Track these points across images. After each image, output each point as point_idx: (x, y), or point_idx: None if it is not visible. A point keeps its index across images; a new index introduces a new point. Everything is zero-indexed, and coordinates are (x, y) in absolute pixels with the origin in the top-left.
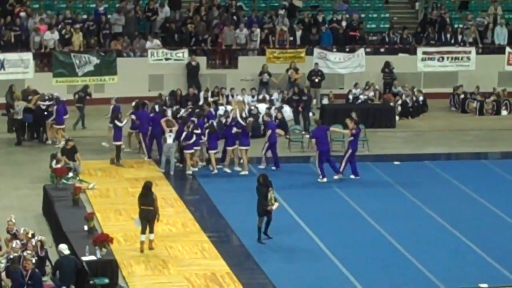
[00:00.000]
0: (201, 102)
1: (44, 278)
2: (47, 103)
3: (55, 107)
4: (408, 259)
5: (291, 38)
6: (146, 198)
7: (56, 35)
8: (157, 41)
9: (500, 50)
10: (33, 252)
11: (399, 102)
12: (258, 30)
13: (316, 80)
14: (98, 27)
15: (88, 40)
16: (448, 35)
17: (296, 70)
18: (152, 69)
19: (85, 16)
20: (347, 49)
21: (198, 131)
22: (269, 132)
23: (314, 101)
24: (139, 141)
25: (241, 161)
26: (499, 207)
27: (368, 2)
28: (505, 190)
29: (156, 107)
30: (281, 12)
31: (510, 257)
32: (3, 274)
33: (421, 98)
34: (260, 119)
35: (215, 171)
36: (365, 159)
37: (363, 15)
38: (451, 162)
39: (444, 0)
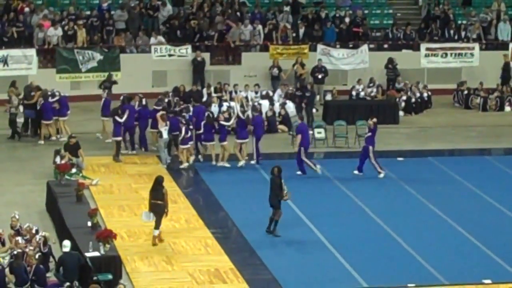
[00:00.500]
0: (204, 98)
1: (47, 274)
2: (50, 99)
3: (42, 102)
4: (411, 254)
5: (294, 34)
6: (156, 192)
7: (59, 31)
8: (160, 38)
9: (503, 46)
10: (36, 249)
11: (404, 98)
12: (260, 26)
13: (320, 76)
14: (101, 23)
15: (92, 36)
16: (452, 31)
17: (302, 65)
18: (155, 65)
19: (88, 12)
20: (351, 45)
21: (190, 126)
22: (251, 127)
23: (318, 97)
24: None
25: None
26: (502, 203)
27: None
28: (509, 186)
29: (144, 101)
30: (286, 8)
31: None
32: (7, 270)
33: (425, 94)
34: (264, 115)
35: (214, 162)
36: None
37: (366, 11)
38: (455, 158)
39: None
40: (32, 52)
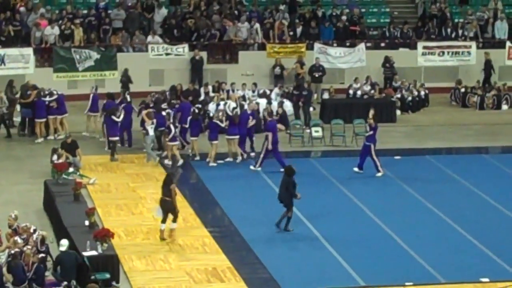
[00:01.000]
0: (202, 97)
1: (45, 273)
2: (48, 98)
3: (35, 100)
4: (409, 253)
5: (291, 33)
6: (166, 188)
7: (56, 30)
8: (157, 38)
9: (500, 44)
10: (34, 248)
11: (398, 96)
12: (258, 25)
13: (317, 75)
14: (98, 23)
15: (89, 35)
16: (449, 30)
17: (302, 64)
18: (152, 64)
19: (85, 11)
20: (348, 44)
21: (177, 123)
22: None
23: (315, 95)
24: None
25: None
26: (499, 201)
27: None
28: (506, 185)
29: (128, 97)
30: (282, 7)
31: (511, 251)
32: (5, 269)
33: (422, 92)
34: (261, 115)
35: (197, 157)
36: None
37: (363, 10)
38: (452, 156)
39: None
40: (29, 51)
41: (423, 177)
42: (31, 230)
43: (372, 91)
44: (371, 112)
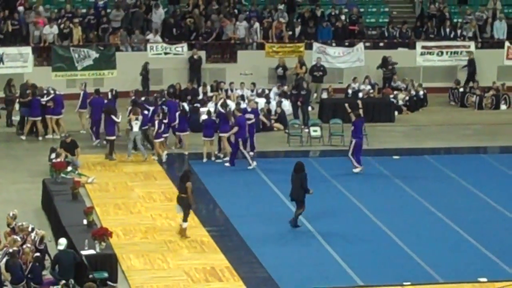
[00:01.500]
0: (200, 97)
1: (43, 272)
2: (45, 98)
3: (30, 98)
4: (407, 253)
5: (290, 33)
6: (182, 185)
7: (55, 29)
8: (157, 38)
9: (499, 44)
10: (32, 246)
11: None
12: (257, 24)
13: (318, 74)
14: (97, 22)
15: (88, 34)
16: (448, 30)
17: (302, 64)
18: (151, 63)
19: (84, 10)
20: (346, 44)
21: (166, 120)
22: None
23: (315, 95)
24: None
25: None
26: (498, 201)
27: None
28: (504, 185)
29: (109, 94)
30: (281, 7)
31: (510, 251)
32: (3, 268)
33: (421, 92)
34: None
35: (185, 153)
36: (364, 153)
37: (362, 10)
38: (451, 156)
39: None
40: (27, 50)
41: (421, 177)
42: (29, 229)
43: (371, 91)
44: (346, 106)
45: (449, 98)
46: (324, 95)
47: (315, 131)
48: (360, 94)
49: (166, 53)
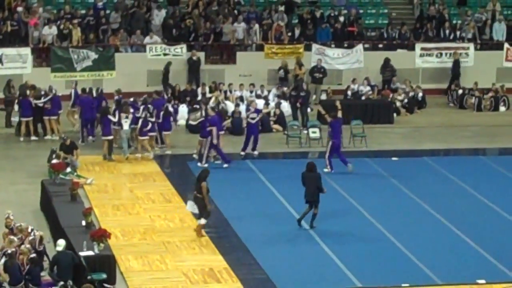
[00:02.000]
0: (199, 98)
1: (42, 273)
2: (42, 100)
3: (20, 98)
4: (406, 254)
5: (290, 34)
6: (198, 185)
7: (54, 30)
8: (156, 38)
9: (498, 46)
10: (29, 246)
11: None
12: (257, 25)
13: (318, 76)
14: (96, 23)
15: (87, 35)
16: (447, 31)
17: (300, 66)
18: (150, 64)
19: (83, 11)
20: (346, 45)
21: (153, 119)
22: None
23: (314, 96)
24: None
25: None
26: (497, 203)
27: None
28: (503, 186)
29: (95, 93)
30: (281, 8)
31: (508, 253)
32: (1, 269)
33: (420, 94)
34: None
35: (168, 151)
36: (363, 154)
37: (361, 11)
38: (449, 158)
39: None
40: (27, 51)
41: (420, 179)
42: (29, 230)
43: (370, 92)
44: (320, 108)
45: (448, 99)
46: (323, 97)
47: (314, 132)
48: (364, 92)
49: (165, 54)
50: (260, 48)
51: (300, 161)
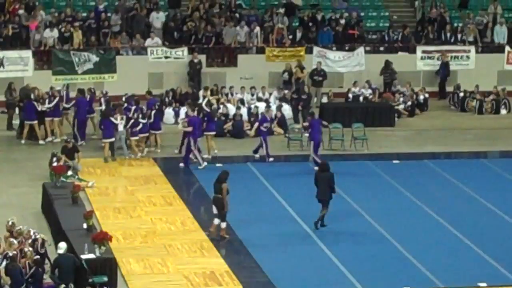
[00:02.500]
0: (200, 101)
1: (43, 276)
2: (47, 105)
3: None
4: (407, 257)
5: (291, 37)
6: (218, 186)
7: (55, 33)
8: (157, 39)
9: (499, 49)
10: (31, 249)
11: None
12: (258, 28)
13: (318, 79)
14: (98, 25)
15: (88, 38)
16: (448, 34)
17: (302, 68)
18: (151, 67)
19: (85, 14)
20: (347, 48)
21: (144, 120)
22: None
23: (315, 99)
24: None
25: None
26: (498, 206)
27: (367, 1)
28: (504, 189)
29: (87, 95)
30: (280, 11)
31: (509, 256)
32: (2, 272)
33: (421, 97)
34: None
35: (158, 150)
36: (364, 157)
37: (362, 14)
38: (451, 161)
39: None
40: (28, 53)
41: (421, 182)
42: (31, 233)
43: (371, 95)
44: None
45: (449, 102)
46: (324, 100)
47: None
48: (361, 97)
49: (166, 57)
50: (261, 51)
51: (301, 163)
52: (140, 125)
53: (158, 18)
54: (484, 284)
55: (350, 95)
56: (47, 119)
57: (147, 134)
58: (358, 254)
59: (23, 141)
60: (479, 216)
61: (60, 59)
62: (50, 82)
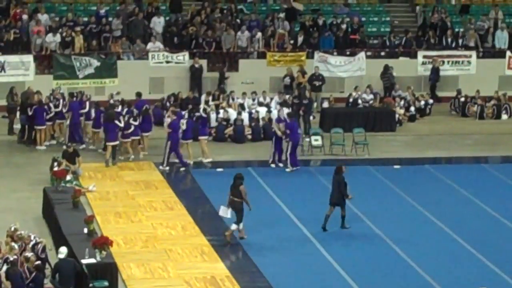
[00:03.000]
0: (201, 105)
1: (44, 281)
2: (53, 109)
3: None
4: (408, 262)
5: (292, 42)
6: (235, 189)
7: (57, 38)
8: (159, 44)
9: (500, 54)
10: (32, 253)
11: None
12: (260, 33)
13: (317, 84)
14: (99, 30)
15: (89, 43)
16: (449, 39)
17: (303, 73)
18: (152, 72)
19: (86, 19)
20: (348, 53)
21: (136, 123)
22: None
23: (315, 104)
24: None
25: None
26: (499, 211)
27: (369, 6)
28: (505, 194)
29: (85, 95)
30: (281, 15)
31: (510, 261)
32: (3, 276)
33: (422, 102)
34: (260, 123)
35: (145, 152)
36: (365, 162)
37: (363, 19)
38: (452, 166)
39: (445, 4)
40: (29, 58)
41: (422, 187)
42: (31, 238)
43: (372, 100)
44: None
45: (450, 107)
46: (325, 105)
47: (316, 140)
48: (361, 101)
49: (167, 62)
50: (262, 55)
51: (302, 168)
52: (132, 128)
53: (160, 23)
54: None
55: (351, 100)
56: (48, 123)
57: (139, 137)
58: (358, 258)
59: (42, 147)
60: (480, 221)
61: (61, 63)
62: (51, 86)
